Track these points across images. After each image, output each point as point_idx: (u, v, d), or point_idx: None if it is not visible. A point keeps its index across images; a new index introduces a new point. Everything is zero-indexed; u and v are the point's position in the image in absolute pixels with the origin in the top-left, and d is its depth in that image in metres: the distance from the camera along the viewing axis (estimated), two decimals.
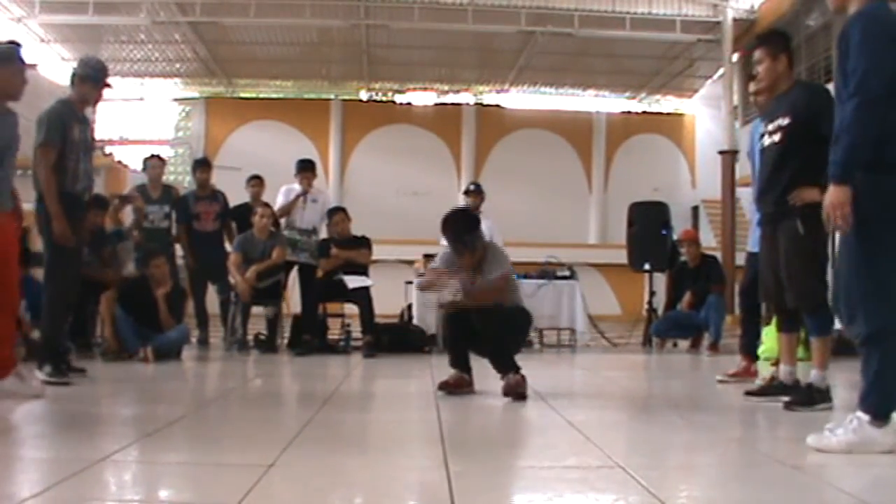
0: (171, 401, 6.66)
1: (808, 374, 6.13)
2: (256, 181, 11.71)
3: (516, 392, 6.42)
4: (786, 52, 6.36)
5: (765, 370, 7.77)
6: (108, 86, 7.75)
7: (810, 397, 5.97)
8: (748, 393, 6.65)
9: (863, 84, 4.27)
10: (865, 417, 4.27)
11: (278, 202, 11.29)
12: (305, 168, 11.51)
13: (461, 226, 6.95)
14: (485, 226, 11.91)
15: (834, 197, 4.33)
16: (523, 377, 6.53)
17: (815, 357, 6.14)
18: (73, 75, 7.56)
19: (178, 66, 26.54)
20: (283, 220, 11.31)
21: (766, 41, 6.43)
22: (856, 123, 4.29)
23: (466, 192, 12.70)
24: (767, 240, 6.39)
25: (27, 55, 6.61)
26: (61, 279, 7.21)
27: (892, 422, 4.30)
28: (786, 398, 6.09)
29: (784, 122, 6.10)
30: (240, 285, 10.60)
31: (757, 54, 6.39)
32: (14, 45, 6.53)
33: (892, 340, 4.30)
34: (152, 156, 11.67)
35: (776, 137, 6.16)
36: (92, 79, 7.53)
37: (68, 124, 7.21)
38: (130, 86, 27.35)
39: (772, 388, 6.52)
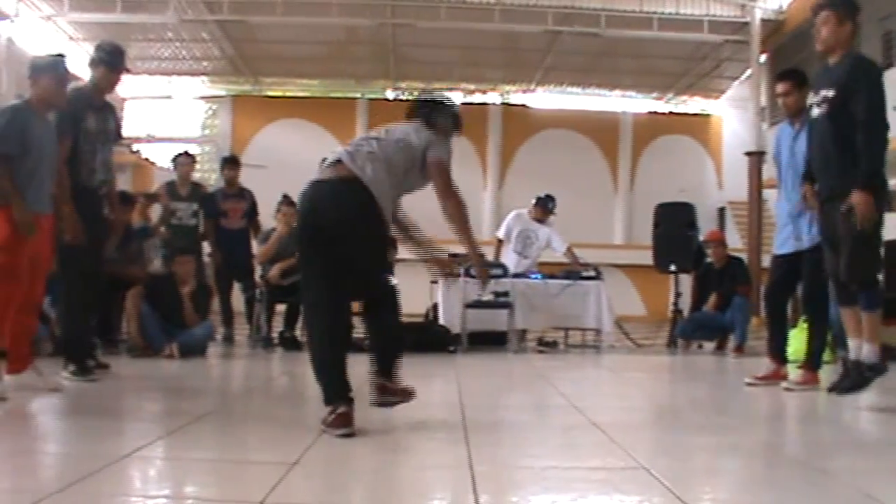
0: (196, 398, 6.67)
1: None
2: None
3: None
4: (852, 19, 6.38)
5: (793, 373, 7.72)
6: (125, 70, 7.49)
7: (861, 379, 6.00)
8: (831, 390, 6.53)
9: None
10: None
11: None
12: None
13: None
14: (543, 232, 12.20)
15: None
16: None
17: (866, 331, 6.14)
18: (89, 62, 7.36)
19: (205, 64, 26.64)
20: None
21: (836, 4, 6.41)
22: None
23: (537, 203, 12.57)
24: (827, 217, 6.41)
25: (72, 66, 6.58)
26: (75, 279, 7.06)
27: None
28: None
29: (829, 93, 6.19)
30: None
31: (823, 15, 6.38)
32: (59, 56, 6.53)
33: None
34: (182, 153, 11.63)
35: (823, 109, 6.26)
36: (105, 63, 7.30)
37: (81, 114, 7.04)
38: (158, 84, 27.48)
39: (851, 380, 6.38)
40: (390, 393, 5.42)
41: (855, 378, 6.08)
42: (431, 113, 5.47)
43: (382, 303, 5.56)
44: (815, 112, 6.37)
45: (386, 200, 5.10)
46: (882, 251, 6.43)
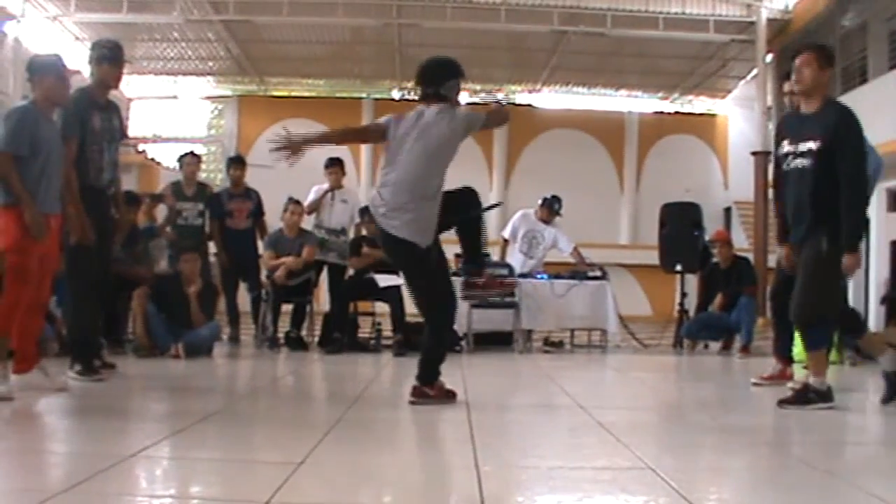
0: (202, 398, 6.68)
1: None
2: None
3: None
4: (831, 68, 6.48)
5: (799, 373, 7.72)
6: (125, 62, 7.49)
7: (805, 397, 6.03)
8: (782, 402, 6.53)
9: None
10: None
11: (309, 200, 11.29)
12: (333, 163, 11.51)
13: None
14: (549, 233, 12.29)
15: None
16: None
17: (811, 367, 6.21)
18: (89, 61, 7.35)
19: (210, 64, 26.60)
20: (311, 219, 11.33)
21: (819, 50, 6.50)
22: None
23: (543, 203, 12.57)
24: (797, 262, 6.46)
25: (70, 62, 6.58)
26: (83, 279, 7.06)
27: None
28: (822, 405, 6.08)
29: (815, 145, 6.17)
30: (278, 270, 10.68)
31: (804, 57, 6.41)
32: (56, 55, 6.56)
33: None
34: (188, 153, 11.65)
35: (806, 162, 6.26)
36: (108, 59, 7.28)
37: (87, 114, 7.02)
38: (164, 84, 27.48)
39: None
40: (419, 395, 6.06)
41: (798, 395, 6.15)
42: (438, 90, 6.32)
43: (426, 314, 6.34)
44: (796, 163, 6.35)
45: (422, 222, 6.14)
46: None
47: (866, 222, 6.36)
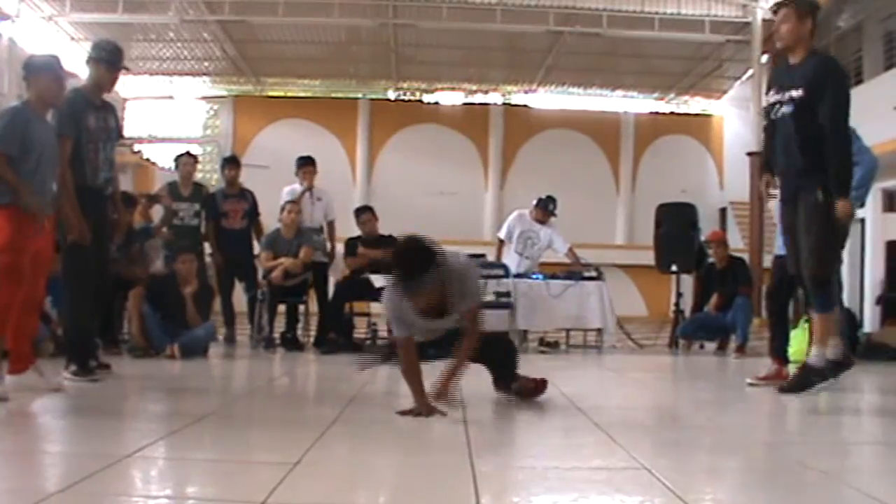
0: (198, 398, 6.68)
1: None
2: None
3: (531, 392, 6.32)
4: (812, 17, 6.45)
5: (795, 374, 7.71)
6: (123, 68, 7.47)
7: (805, 381, 5.99)
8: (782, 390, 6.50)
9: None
10: None
11: (286, 201, 11.28)
12: (307, 162, 11.60)
13: (412, 265, 5.34)
14: (545, 233, 12.21)
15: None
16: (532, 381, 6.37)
17: (817, 334, 6.16)
18: (87, 60, 7.34)
19: (206, 64, 26.63)
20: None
21: (796, 2, 6.45)
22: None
23: (538, 204, 12.53)
24: (790, 216, 6.43)
25: (67, 65, 6.57)
26: (81, 279, 7.03)
27: None
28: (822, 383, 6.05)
29: (797, 93, 6.19)
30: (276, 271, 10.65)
31: (783, 13, 6.42)
32: (53, 56, 6.55)
33: None
34: (184, 153, 11.64)
35: (789, 109, 6.27)
36: (106, 61, 7.25)
37: (82, 113, 6.99)
38: (159, 84, 27.47)
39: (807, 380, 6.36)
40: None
41: (797, 380, 6.10)
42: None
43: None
44: (783, 111, 6.38)
45: None
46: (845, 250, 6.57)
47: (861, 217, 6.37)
